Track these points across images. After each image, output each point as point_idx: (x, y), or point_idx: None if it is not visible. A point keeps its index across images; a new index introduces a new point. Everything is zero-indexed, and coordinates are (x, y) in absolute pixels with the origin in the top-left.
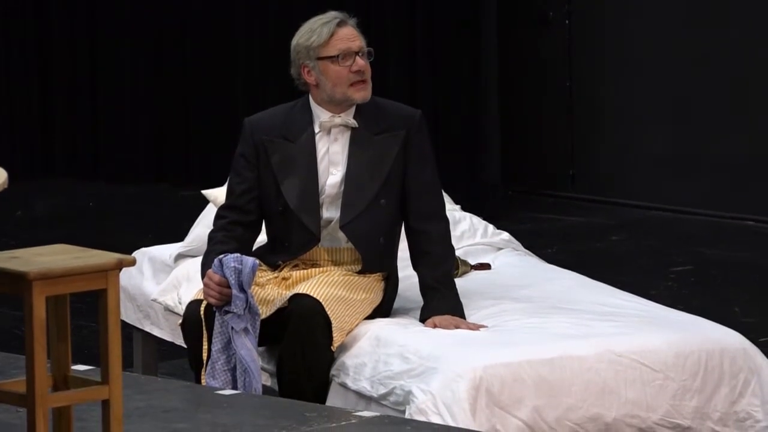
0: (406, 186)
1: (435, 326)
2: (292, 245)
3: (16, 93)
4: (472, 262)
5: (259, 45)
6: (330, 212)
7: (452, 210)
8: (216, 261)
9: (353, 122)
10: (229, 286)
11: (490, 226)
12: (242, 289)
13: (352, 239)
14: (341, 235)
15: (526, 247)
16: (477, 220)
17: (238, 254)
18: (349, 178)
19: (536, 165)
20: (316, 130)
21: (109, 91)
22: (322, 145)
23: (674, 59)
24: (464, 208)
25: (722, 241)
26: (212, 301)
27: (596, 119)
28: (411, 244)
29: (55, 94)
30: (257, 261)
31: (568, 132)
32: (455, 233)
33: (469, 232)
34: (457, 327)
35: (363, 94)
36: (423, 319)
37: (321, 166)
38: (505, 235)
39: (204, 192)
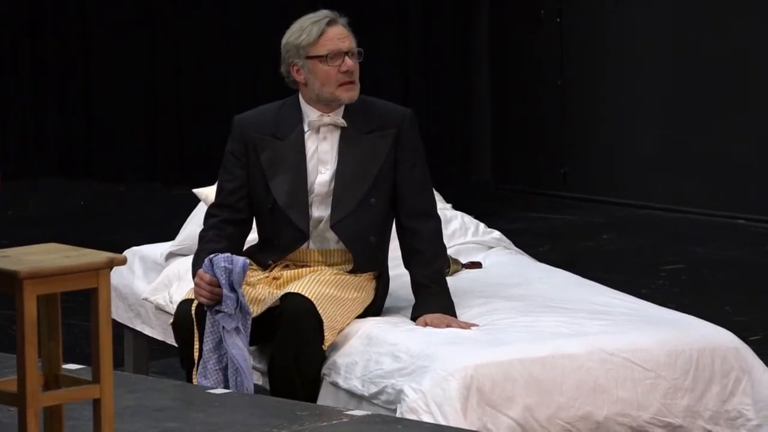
0: (397, 184)
1: (426, 325)
2: (282, 243)
3: (9, 92)
4: (464, 261)
5: (251, 43)
6: (320, 211)
7: (444, 208)
8: (206, 261)
9: (342, 122)
10: (219, 286)
11: (482, 225)
12: (233, 289)
13: (343, 238)
14: (331, 235)
15: (517, 246)
16: (468, 219)
17: (229, 254)
18: (338, 177)
19: (528, 164)
20: (306, 128)
21: (102, 90)
22: (311, 144)
23: (665, 58)
24: (456, 207)
25: (713, 239)
26: (203, 300)
27: (588, 118)
28: (402, 243)
29: (47, 93)
30: (248, 260)
31: (560, 131)
32: (446, 232)
33: (460, 230)
34: (448, 326)
35: (350, 94)
36: (414, 318)
37: (310, 165)
38: (497, 233)
39: (195, 191)
